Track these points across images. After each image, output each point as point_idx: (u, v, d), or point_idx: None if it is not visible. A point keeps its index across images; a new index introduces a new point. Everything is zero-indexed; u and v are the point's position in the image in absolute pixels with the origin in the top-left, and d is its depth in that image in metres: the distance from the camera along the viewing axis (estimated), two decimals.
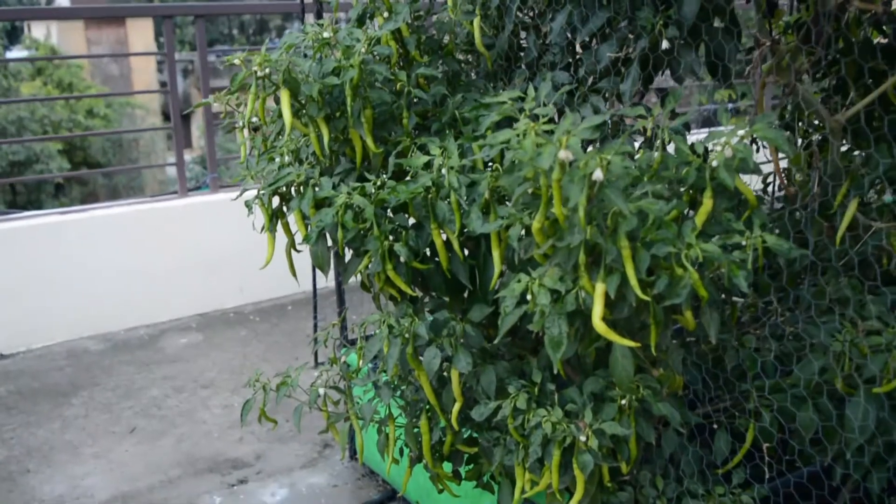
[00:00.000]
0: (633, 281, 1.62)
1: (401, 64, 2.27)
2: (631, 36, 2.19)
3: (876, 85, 2.42)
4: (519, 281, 1.68)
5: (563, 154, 1.44)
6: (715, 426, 2.27)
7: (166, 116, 26.11)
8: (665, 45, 2.18)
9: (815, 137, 2.92)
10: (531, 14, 2.51)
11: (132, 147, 23.36)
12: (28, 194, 20.37)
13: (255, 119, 2.55)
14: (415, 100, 2.17)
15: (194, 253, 5.68)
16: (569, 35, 2.34)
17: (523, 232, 1.83)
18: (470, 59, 2.60)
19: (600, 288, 1.65)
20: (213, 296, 5.80)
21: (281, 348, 5.19)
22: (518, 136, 1.48)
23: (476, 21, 2.45)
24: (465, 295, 2.19)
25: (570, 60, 2.40)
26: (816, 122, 3.04)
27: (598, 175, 1.48)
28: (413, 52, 2.29)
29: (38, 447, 4.04)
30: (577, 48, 2.43)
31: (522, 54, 2.55)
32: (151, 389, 4.69)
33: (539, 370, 2.10)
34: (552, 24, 2.34)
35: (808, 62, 2.55)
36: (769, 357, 2.30)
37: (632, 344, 1.69)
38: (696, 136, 4.17)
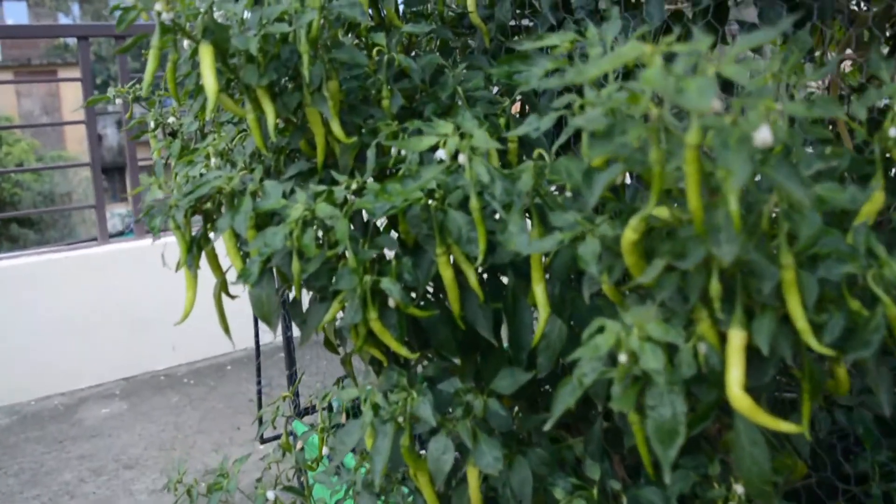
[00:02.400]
0: (802, 324, 0.96)
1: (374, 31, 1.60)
2: None
3: None
4: (602, 330, 1.00)
5: (714, 102, 0.78)
6: None
7: (103, 170, 25.19)
8: None
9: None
10: None
11: (64, 201, 22.36)
12: None
13: (171, 120, 1.86)
14: (399, 73, 1.50)
15: (118, 307, 4.91)
16: None
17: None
18: (459, 34, 1.94)
19: (740, 337, 0.98)
20: (141, 356, 5.03)
21: (219, 416, 4.44)
22: (637, 58, 0.80)
23: None
24: (481, 355, 1.50)
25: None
26: None
27: (764, 136, 0.82)
28: (390, 12, 1.63)
29: None
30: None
31: (532, 25, 1.91)
32: (64, 473, 3.90)
33: (593, 461, 1.43)
34: None
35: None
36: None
37: (794, 429, 1.02)
38: None
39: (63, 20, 31.48)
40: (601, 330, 1.01)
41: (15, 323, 4.64)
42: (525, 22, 2.01)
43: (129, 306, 4.96)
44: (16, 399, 4.70)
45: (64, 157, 22.50)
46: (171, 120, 1.88)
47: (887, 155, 1.13)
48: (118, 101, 1.96)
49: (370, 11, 1.66)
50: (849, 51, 1.99)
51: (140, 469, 3.91)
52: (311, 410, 3.22)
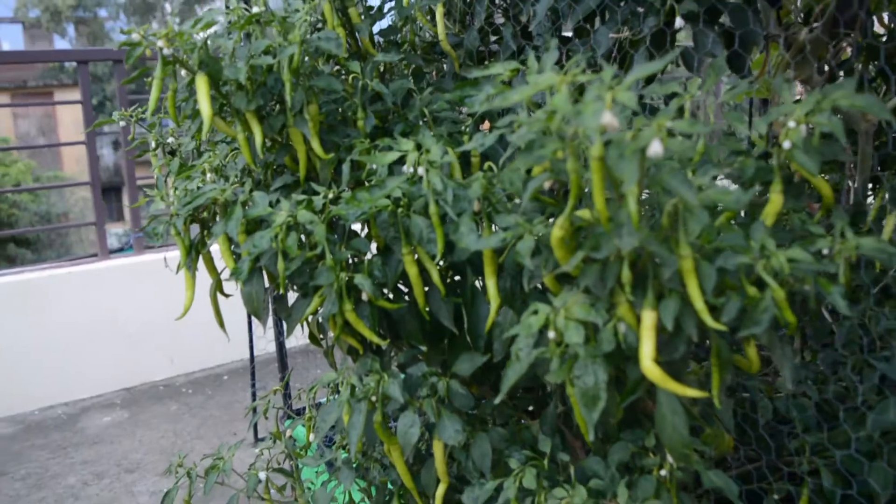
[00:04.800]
0: (700, 304, 1.15)
1: (350, 59, 1.80)
2: (640, 9, 1.76)
3: None
4: (535, 313, 1.20)
5: (608, 118, 0.98)
6: (769, 493, 1.80)
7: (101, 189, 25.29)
8: (679, 23, 1.77)
9: None
10: (506, 2, 2.08)
11: (61, 221, 22.49)
12: None
13: (170, 140, 2.06)
14: (372, 96, 1.70)
15: (118, 321, 5.09)
16: (556, 20, 1.91)
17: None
18: (432, 60, 2.14)
19: (650, 317, 1.18)
20: (140, 368, 5.21)
21: (216, 423, 4.61)
22: (547, 87, 1.00)
23: (439, 13, 2.01)
24: (446, 342, 1.69)
25: (559, 52, 1.96)
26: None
27: (656, 149, 1.01)
28: (365, 41, 1.83)
29: None
30: (564, 40, 2.00)
31: (497, 50, 2.10)
32: (68, 477, 4.07)
33: (546, 436, 1.62)
34: (535, 8, 1.90)
35: (834, 53, 2.16)
36: (808, 403, 1.89)
37: (698, 394, 1.21)
38: None
39: (58, 42, 31.73)
40: (535, 312, 1.21)
41: (18, 335, 4.81)
42: (493, 47, 2.21)
43: (129, 319, 5.13)
44: (20, 409, 4.87)
45: (60, 178, 22.66)
46: (170, 140, 2.07)
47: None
48: (116, 123, 2.14)
49: (348, 41, 1.86)
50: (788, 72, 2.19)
51: (141, 472, 4.08)
52: (301, 412, 3.41)
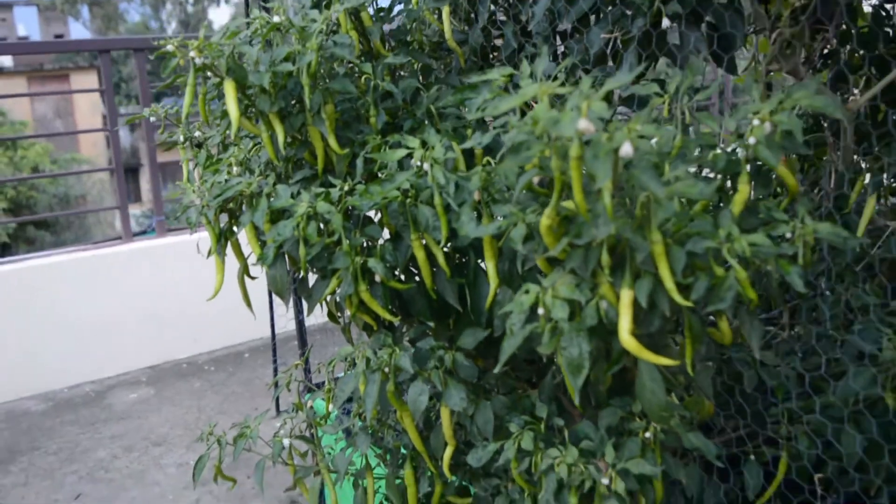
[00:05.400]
0: (670, 284, 1.31)
1: (363, 59, 1.96)
2: (629, 12, 1.91)
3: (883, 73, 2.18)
4: (527, 292, 1.36)
5: (584, 124, 1.14)
6: (747, 456, 1.96)
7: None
8: (665, 24, 1.91)
9: None
10: (507, 2, 2.23)
11: (79, 203, 22.75)
12: None
13: (197, 134, 2.23)
14: (383, 95, 1.86)
15: (142, 301, 5.29)
16: (553, 20, 2.06)
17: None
18: (439, 57, 2.30)
19: (627, 295, 1.34)
20: (164, 346, 5.41)
21: (238, 399, 4.81)
22: (530, 98, 1.16)
23: (445, 13, 2.16)
24: (452, 319, 1.86)
25: (556, 50, 2.12)
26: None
27: (626, 150, 1.17)
28: (377, 42, 1.98)
29: None
30: (563, 35, 2.15)
31: (500, 46, 2.26)
32: (98, 451, 4.28)
33: (543, 403, 1.79)
34: (533, 10, 2.05)
35: (818, 48, 2.31)
36: (792, 373, 2.03)
37: (669, 362, 1.37)
38: None
39: (73, 24, 31.87)
40: (527, 292, 1.37)
41: (47, 317, 5.01)
42: (497, 42, 2.36)
43: (153, 300, 5.33)
44: (49, 386, 5.07)
45: (77, 160, 22.88)
46: (196, 134, 2.24)
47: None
48: (147, 118, 2.31)
49: (360, 41, 2.02)
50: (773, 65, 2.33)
51: (168, 446, 4.28)
52: (320, 386, 3.59)
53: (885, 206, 2.21)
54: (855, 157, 2.21)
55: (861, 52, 2.25)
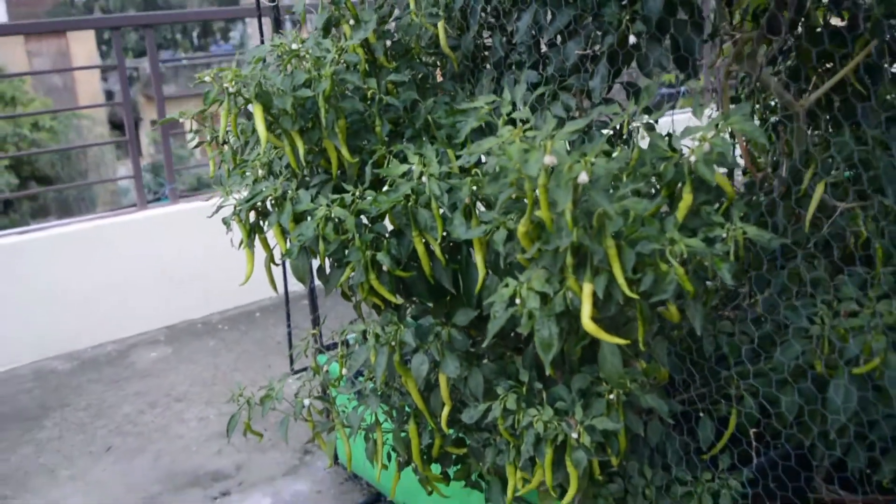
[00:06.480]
0: (621, 280, 1.64)
1: (368, 70, 2.26)
2: (598, 32, 2.21)
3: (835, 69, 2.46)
4: (507, 286, 1.69)
5: (549, 159, 1.45)
6: (700, 414, 2.29)
7: (113, 125, 25.62)
8: (632, 40, 2.20)
9: (772, 120, 2.98)
10: (496, 14, 2.52)
11: (80, 159, 22.93)
12: None
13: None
14: (386, 106, 2.17)
15: (157, 265, 5.61)
16: (535, 34, 2.35)
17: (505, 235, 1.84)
18: (436, 62, 2.59)
19: (588, 288, 1.67)
20: (180, 307, 5.74)
21: (252, 357, 5.15)
22: (502, 143, 1.48)
23: (440, 23, 2.45)
24: (448, 300, 2.19)
25: (538, 59, 2.41)
26: (773, 104, 3.09)
27: (583, 178, 1.49)
28: (381, 57, 2.28)
29: (13, 473, 3.97)
30: (544, 47, 2.44)
31: (488, 54, 2.55)
32: (124, 406, 4.63)
33: (525, 370, 2.11)
34: (518, 24, 2.35)
35: (774, 49, 2.59)
36: (747, 342, 2.33)
37: (620, 341, 1.70)
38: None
39: None
40: (507, 285, 1.70)
41: (68, 281, 5.33)
42: (487, 41, 2.65)
43: (167, 264, 5.64)
44: (74, 346, 5.41)
45: (77, 115, 23.01)
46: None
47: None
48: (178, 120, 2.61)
49: (365, 55, 2.32)
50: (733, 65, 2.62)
51: (188, 402, 4.63)
52: (331, 347, 3.93)
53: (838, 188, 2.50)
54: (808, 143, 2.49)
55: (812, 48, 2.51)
